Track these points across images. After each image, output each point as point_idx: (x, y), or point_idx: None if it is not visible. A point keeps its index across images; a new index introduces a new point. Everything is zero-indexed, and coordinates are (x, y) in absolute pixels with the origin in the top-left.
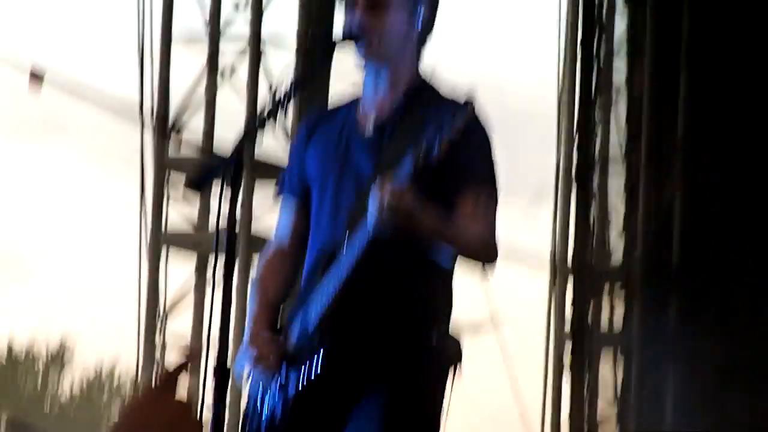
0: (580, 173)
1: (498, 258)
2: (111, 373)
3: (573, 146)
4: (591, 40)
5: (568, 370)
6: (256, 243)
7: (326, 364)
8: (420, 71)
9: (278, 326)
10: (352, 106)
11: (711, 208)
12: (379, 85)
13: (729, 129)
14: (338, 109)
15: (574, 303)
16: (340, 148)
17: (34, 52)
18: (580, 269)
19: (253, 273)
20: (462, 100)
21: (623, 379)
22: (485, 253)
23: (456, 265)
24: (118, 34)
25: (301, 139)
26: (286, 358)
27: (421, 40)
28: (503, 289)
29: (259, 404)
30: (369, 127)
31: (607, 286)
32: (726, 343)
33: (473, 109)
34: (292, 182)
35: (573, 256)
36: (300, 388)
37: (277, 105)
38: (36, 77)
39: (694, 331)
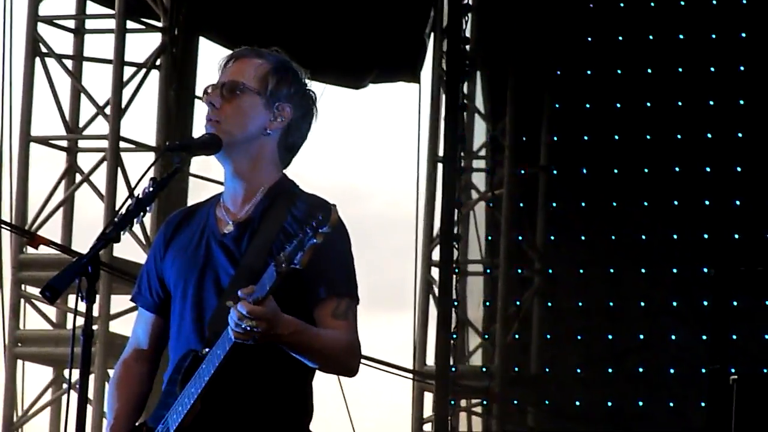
0: (441, 283)
1: (359, 368)
2: None
3: (430, 255)
4: (452, 154)
5: None
6: (114, 344)
7: None
8: (281, 172)
9: (138, 429)
10: (212, 204)
11: (568, 321)
12: (237, 184)
13: (586, 238)
14: (200, 206)
15: (435, 410)
16: (201, 248)
17: None
18: (441, 376)
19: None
20: (323, 203)
21: None
22: (350, 364)
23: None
24: None
25: (159, 245)
26: None
27: (287, 142)
28: (366, 394)
29: None
30: (231, 226)
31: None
32: None
33: (336, 213)
34: (146, 293)
35: (435, 363)
36: None
37: (136, 207)
38: None
39: None
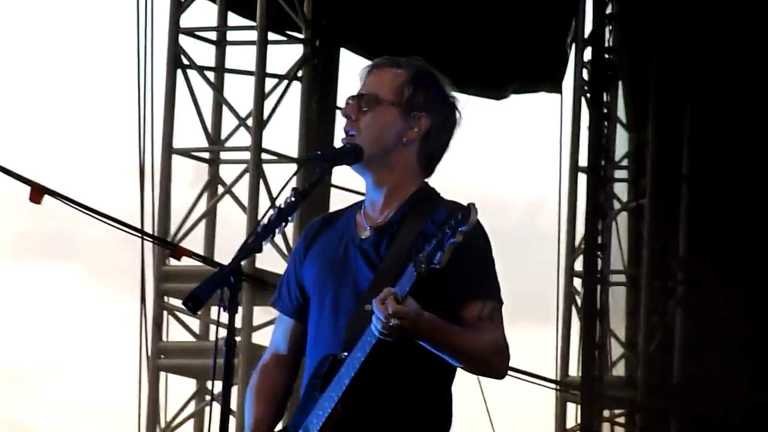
0: (586, 294)
1: (506, 371)
2: None
3: (572, 266)
4: (595, 164)
5: None
6: (256, 355)
7: None
8: (423, 180)
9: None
10: (353, 210)
11: (712, 331)
12: (377, 192)
13: (729, 248)
14: (341, 213)
15: (581, 423)
16: (339, 253)
17: (34, 168)
18: (586, 388)
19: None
20: (461, 205)
21: None
22: (496, 364)
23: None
24: (119, 149)
25: (299, 250)
26: None
27: (426, 151)
28: (508, 405)
29: None
30: (369, 231)
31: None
32: None
33: (475, 211)
34: (285, 298)
35: (581, 374)
36: None
37: (278, 217)
38: (37, 189)
39: None
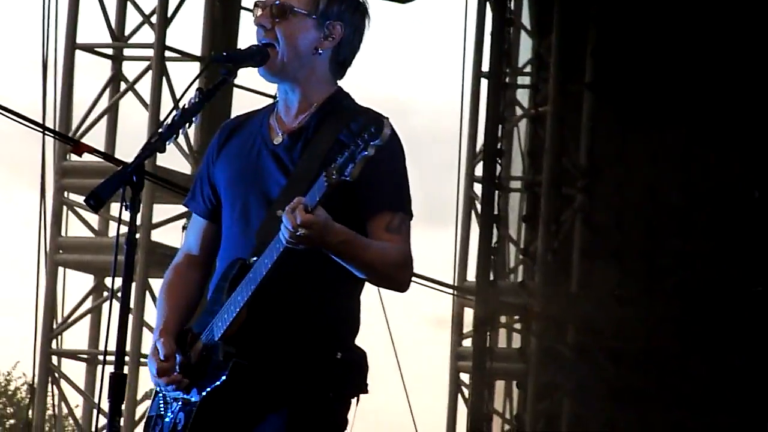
0: (485, 197)
1: (410, 283)
2: (7, 381)
3: (473, 171)
4: (497, 70)
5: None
6: (155, 252)
7: (230, 379)
8: (336, 85)
9: (185, 334)
10: (266, 113)
11: (609, 238)
12: (291, 97)
13: (629, 157)
14: (254, 114)
15: (475, 325)
16: (251, 157)
17: None
18: (482, 290)
19: (153, 284)
20: (377, 117)
21: (518, 405)
22: (400, 278)
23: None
24: (22, 43)
25: (213, 151)
26: (189, 370)
27: (339, 58)
28: (405, 308)
29: (160, 417)
30: (282, 136)
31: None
32: (620, 367)
33: (390, 125)
34: (198, 199)
35: (476, 279)
36: (202, 403)
37: (181, 117)
38: None
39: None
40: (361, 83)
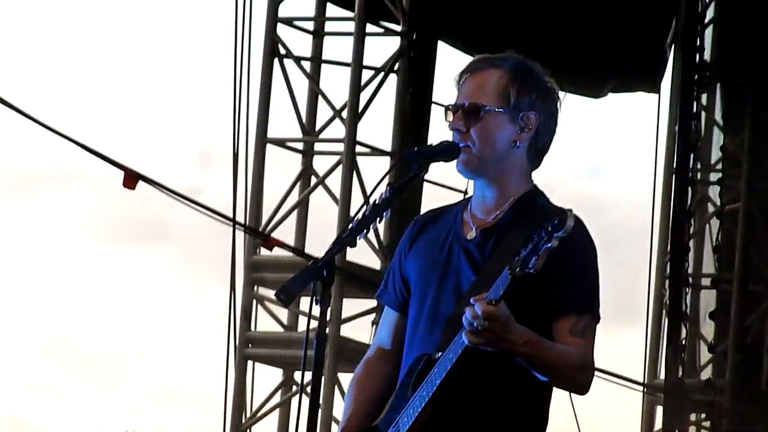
0: (673, 295)
1: (590, 386)
2: None
3: (665, 267)
4: (686, 165)
5: None
6: (344, 348)
7: None
8: (531, 179)
9: (372, 430)
10: (460, 208)
11: None
12: (486, 193)
13: None
14: (448, 209)
15: (666, 422)
16: (444, 251)
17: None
18: (672, 390)
19: (342, 378)
20: (560, 213)
21: None
22: (580, 382)
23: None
24: (213, 136)
25: (405, 244)
26: None
27: (537, 148)
28: (595, 406)
29: None
30: (474, 232)
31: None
32: None
33: (576, 219)
34: (390, 291)
35: (665, 377)
36: None
37: (372, 212)
38: (131, 175)
39: None
40: (552, 180)
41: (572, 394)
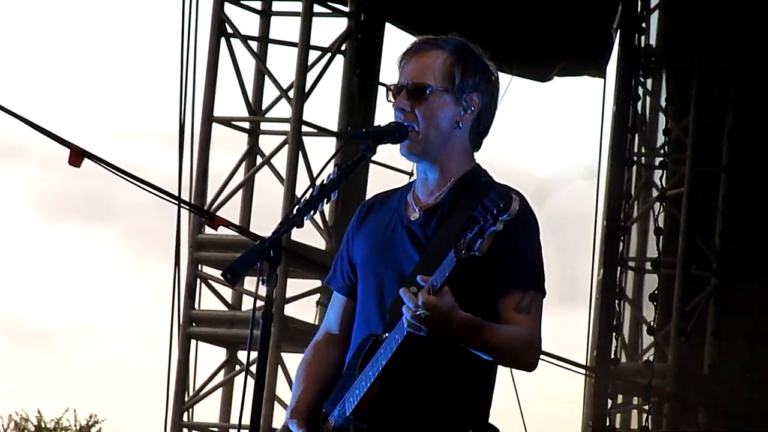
0: (605, 276)
1: (537, 364)
2: None
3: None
4: (623, 147)
5: None
6: (288, 327)
7: None
8: (473, 159)
9: (317, 413)
10: (405, 191)
11: (744, 318)
12: (429, 174)
13: (764, 240)
14: (394, 192)
15: (596, 404)
16: (388, 233)
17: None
18: (607, 371)
19: (285, 358)
20: (508, 192)
21: None
22: (527, 359)
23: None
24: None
25: (352, 228)
26: None
27: (479, 129)
28: (536, 388)
29: None
30: (418, 213)
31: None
32: None
33: (522, 200)
34: (339, 276)
35: (596, 359)
36: None
37: (319, 193)
38: (76, 152)
39: None
40: (497, 162)
41: (520, 371)
